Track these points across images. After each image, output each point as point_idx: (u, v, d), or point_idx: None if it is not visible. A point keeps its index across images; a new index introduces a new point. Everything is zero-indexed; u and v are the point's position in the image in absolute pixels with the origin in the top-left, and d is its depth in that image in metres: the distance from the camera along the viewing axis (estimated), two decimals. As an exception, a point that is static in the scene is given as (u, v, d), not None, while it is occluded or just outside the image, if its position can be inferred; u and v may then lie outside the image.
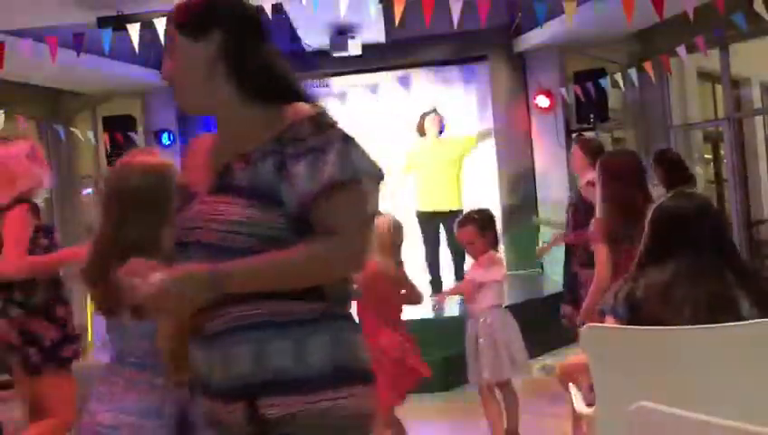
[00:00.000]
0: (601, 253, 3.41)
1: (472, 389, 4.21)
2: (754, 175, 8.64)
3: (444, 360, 5.44)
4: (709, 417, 1.43)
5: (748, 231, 7.80)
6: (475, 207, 4.41)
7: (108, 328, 2.24)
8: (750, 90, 9.20)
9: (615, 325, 2.16)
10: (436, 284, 6.94)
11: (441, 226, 6.94)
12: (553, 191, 7.94)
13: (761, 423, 1.54)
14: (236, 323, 1.57)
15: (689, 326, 2.05)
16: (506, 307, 4.26)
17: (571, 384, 2.48)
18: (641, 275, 2.23)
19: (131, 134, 7.91)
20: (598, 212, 3.53)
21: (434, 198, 6.99)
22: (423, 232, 7.05)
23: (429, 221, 7.03)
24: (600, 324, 2.19)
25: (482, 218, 4.06)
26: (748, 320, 2.09)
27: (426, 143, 7.20)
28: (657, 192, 3.64)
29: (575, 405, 2.46)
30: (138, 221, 2.12)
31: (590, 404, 2.41)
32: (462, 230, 4.08)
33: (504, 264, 4.17)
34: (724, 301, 2.14)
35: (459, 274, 6.61)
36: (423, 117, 7.22)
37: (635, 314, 2.14)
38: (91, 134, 7.57)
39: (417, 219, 7.03)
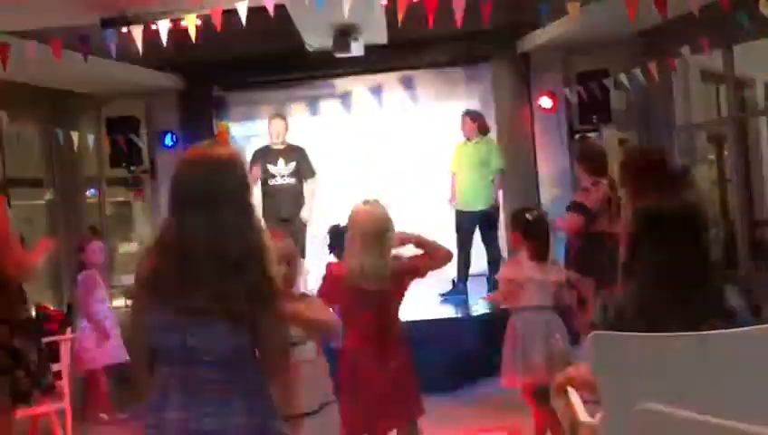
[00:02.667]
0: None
1: (473, 391, 4.19)
2: (758, 176, 8.61)
3: (447, 361, 5.43)
4: (713, 419, 1.43)
5: (752, 232, 7.78)
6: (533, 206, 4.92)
7: None
8: (754, 90, 9.18)
9: (620, 333, 2.15)
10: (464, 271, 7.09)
11: (477, 223, 7.07)
12: (556, 192, 7.93)
13: (763, 425, 1.54)
14: None
15: (694, 332, 2.04)
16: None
17: (571, 391, 2.45)
18: (629, 283, 2.21)
19: (133, 136, 7.91)
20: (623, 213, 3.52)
21: (467, 199, 7.09)
22: (457, 228, 7.15)
23: (464, 218, 7.15)
24: (606, 332, 2.17)
25: (524, 222, 4.23)
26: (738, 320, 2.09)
27: (460, 145, 7.35)
28: None
29: (578, 414, 2.43)
30: None
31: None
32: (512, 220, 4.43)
33: (526, 265, 4.13)
34: (716, 305, 2.13)
35: (493, 269, 6.68)
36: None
37: (626, 326, 2.12)
38: (90, 138, 7.55)
39: (454, 215, 7.18)
